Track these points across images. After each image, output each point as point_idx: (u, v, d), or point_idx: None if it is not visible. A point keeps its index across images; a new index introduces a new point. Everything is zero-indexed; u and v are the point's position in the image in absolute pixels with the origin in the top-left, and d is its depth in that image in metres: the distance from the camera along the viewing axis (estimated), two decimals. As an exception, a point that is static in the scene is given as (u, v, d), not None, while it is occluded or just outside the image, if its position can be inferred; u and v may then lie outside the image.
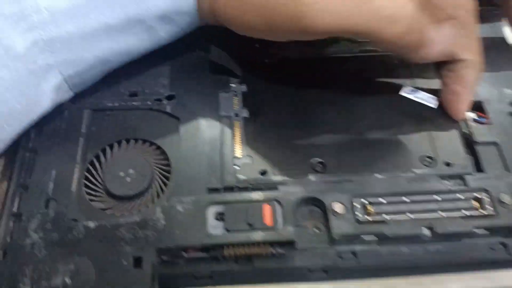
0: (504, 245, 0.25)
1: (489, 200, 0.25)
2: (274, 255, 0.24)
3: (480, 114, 0.29)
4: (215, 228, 0.24)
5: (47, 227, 0.24)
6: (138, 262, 0.23)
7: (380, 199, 0.25)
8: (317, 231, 0.25)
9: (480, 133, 0.28)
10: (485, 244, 0.25)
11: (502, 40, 0.33)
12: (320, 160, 0.27)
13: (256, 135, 0.28)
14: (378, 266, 0.24)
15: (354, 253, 0.24)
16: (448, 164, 0.27)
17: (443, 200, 0.25)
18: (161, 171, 0.27)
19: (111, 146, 0.28)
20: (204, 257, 0.24)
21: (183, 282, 0.24)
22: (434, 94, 0.30)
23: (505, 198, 0.25)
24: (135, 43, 0.28)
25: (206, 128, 0.28)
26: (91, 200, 0.26)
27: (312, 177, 0.26)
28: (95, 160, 0.27)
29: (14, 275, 0.23)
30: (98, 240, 0.24)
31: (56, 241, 0.24)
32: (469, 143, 0.28)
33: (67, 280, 0.23)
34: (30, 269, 0.23)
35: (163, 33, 0.28)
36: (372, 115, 0.29)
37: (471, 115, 0.29)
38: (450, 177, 0.26)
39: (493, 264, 0.25)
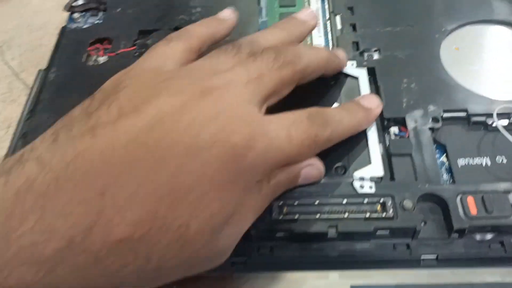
0: (407, 245, 0.28)
1: (391, 204, 0.28)
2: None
3: (403, 129, 0.32)
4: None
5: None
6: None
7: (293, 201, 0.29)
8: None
9: (397, 146, 0.31)
10: (389, 244, 0.28)
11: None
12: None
13: None
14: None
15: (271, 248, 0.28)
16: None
17: (348, 203, 0.28)
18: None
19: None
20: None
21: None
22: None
23: (407, 204, 0.28)
24: None
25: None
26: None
27: None
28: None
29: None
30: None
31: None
32: (388, 154, 0.31)
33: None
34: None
35: None
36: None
37: (394, 129, 0.32)
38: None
39: (397, 263, 0.28)
